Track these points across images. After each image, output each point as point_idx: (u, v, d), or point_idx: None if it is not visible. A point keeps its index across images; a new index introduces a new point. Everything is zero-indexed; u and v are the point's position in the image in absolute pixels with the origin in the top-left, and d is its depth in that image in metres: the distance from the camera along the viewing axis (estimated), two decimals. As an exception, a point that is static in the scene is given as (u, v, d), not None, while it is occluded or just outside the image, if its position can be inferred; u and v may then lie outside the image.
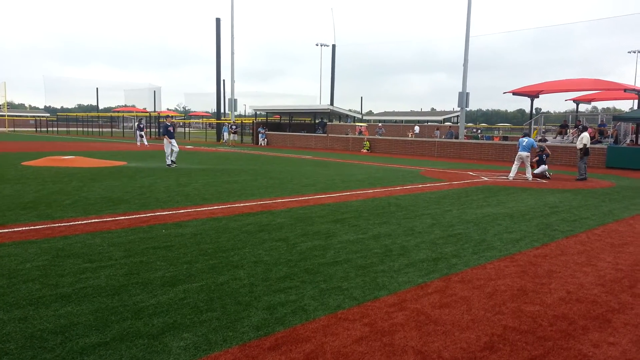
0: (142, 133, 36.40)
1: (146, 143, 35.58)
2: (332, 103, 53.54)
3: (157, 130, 52.48)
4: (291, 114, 45.98)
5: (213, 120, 57.38)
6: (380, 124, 42.83)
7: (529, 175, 16.41)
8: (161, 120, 53.11)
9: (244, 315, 4.26)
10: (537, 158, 17.35)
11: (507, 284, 5.34)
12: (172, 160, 18.36)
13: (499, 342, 3.90)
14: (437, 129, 38.67)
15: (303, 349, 3.68)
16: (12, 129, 69.34)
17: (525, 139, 16.58)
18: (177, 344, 3.68)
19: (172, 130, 18.59)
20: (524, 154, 16.31)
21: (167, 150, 18.41)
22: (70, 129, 65.74)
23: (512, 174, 16.56)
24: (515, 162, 16.67)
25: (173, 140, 18.41)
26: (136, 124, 39.77)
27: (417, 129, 42.60)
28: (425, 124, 52.54)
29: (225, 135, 41.30)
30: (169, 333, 3.86)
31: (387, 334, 3.99)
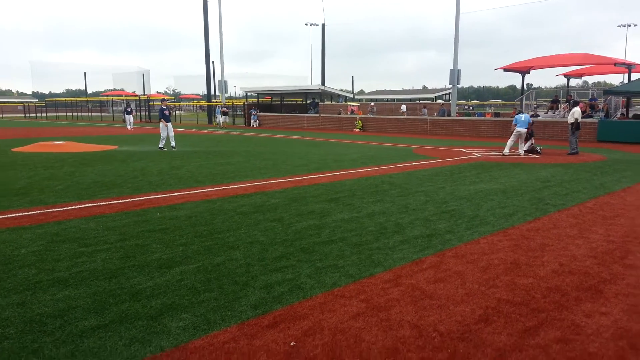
0: (130, 117, 36.25)
1: (129, 127, 35.51)
2: (323, 83, 53.17)
3: (147, 113, 52.03)
4: (282, 94, 45.68)
5: (204, 103, 56.93)
6: (372, 103, 42.72)
7: (521, 150, 16.49)
8: (157, 103, 52.70)
9: (242, 294, 4.30)
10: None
11: (500, 258, 5.40)
12: (172, 146, 18.26)
13: (493, 314, 3.97)
14: (424, 107, 38.49)
15: (301, 326, 3.72)
16: (0, 115, 68.49)
17: (523, 115, 16.64)
18: (176, 325, 3.71)
19: (167, 114, 18.52)
20: (523, 130, 16.40)
21: (163, 134, 18.37)
22: (60, 114, 65.02)
23: (507, 150, 16.63)
24: (512, 138, 16.73)
25: (169, 124, 18.35)
26: (125, 107, 39.51)
27: (403, 107, 42.42)
28: (417, 102, 52.43)
29: (219, 117, 41.09)
30: (167, 314, 3.89)
31: (383, 309, 4.04)
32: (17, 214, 7.31)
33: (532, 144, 17.07)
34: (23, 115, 68.91)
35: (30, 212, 7.44)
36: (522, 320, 3.87)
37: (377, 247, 5.73)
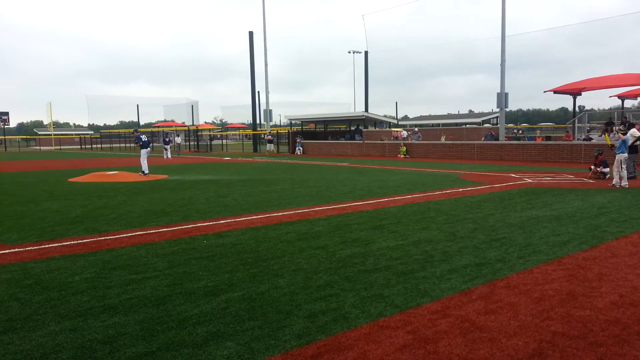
0: (167, 147, 37.45)
1: (169, 157, 36.72)
2: (366, 109, 53.43)
3: (195, 143, 53.61)
4: (326, 122, 46.11)
5: (249, 132, 58.18)
6: (416, 128, 42.37)
7: (617, 180, 14.10)
8: (205, 133, 54.54)
9: (286, 323, 4.27)
10: (601, 157, 16.55)
11: (555, 289, 5.16)
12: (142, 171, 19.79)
13: (548, 348, 3.76)
14: (490, 131, 36.20)
15: (345, 357, 3.65)
16: (58, 147, 72.22)
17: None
18: (221, 353, 3.71)
19: (147, 140, 20.48)
20: (624, 155, 14.19)
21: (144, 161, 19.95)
22: (114, 145, 67.92)
23: (618, 179, 14.14)
24: (615, 165, 14.36)
25: (143, 150, 20.06)
26: (164, 137, 41.11)
27: (404, 133, 40.22)
28: (463, 126, 51.68)
29: (268, 144, 42.60)
30: (212, 342, 3.90)
31: (431, 341, 3.91)
32: (71, 242, 7.60)
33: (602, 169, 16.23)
34: (79, 146, 72.42)
35: (84, 240, 7.72)
36: (580, 355, 3.65)
37: (423, 276, 5.59)
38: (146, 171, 19.79)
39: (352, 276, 5.61)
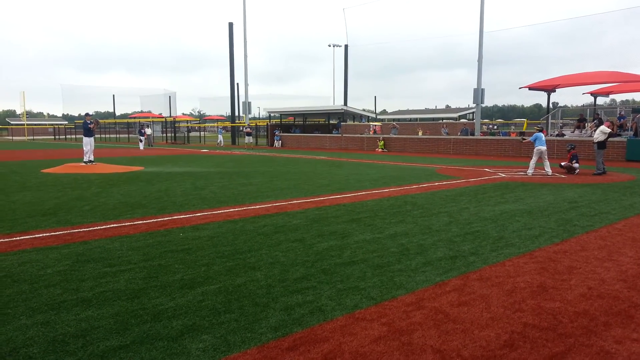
0: (142, 138, 37.15)
1: (141, 148, 36.53)
2: (345, 103, 53.46)
3: (172, 135, 52.98)
4: (305, 115, 46.04)
5: (228, 124, 57.73)
6: (394, 123, 42.59)
7: (548, 169, 16.16)
8: (183, 125, 53.84)
9: (262, 316, 4.28)
10: (573, 152, 16.94)
11: (526, 281, 5.28)
12: (91, 160, 19.38)
13: (519, 339, 3.86)
14: (444, 127, 37.76)
15: (321, 349, 3.68)
16: (32, 137, 70.57)
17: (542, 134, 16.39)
18: (196, 346, 3.71)
19: (91, 128, 19.53)
20: (544, 147, 16.08)
21: (86, 148, 19.36)
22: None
23: (530, 170, 16.32)
24: (534, 157, 16.46)
25: (92, 139, 19.44)
26: (139, 128, 40.76)
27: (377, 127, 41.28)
28: (440, 121, 52.15)
29: (220, 137, 44.34)
30: (188, 335, 3.89)
31: (405, 333, 3.97)
32: (44, 234, 7.47)
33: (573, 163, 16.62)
34: (53, 137, 70.88)
35: (57, 232, 7.59)
36: (549, 345, 3.75)
37: (399, 269, 5.66)
38: (85, 158, 19.49)
39: (328, 269, 5.65)
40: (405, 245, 6.76)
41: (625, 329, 4.07)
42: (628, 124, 26.15)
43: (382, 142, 33.35)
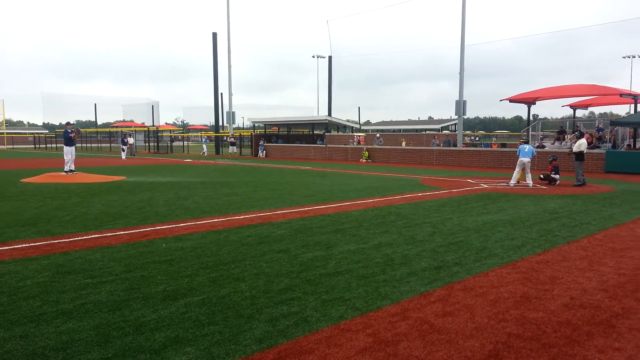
0: (125, 147, 37.01)
1: (123, 157, 36.45)
2: (329, 114, 53.69)
3: (155, 144, 52.55)
4: (289, 125, 46.08)
5: (211, 134, 57.50)
6: (378, 134, 42.89)
7: (529, 181, 16.40)
8: (166, 134, 53.43)
9: (247, 328, 4.24)
10: (555, 163, 17.18)
11: (509, 291, 5.31)
12: (72, 169, 19.27)
13: (503, 349, 3.88)
14: (435, 138, 38.55)
15: (306, 360, 3.65)
16: (11, 146, 69.35)
17: (527, 146, 16.62)
18: (180, 359, 3.65)
19: (72, 137, 19.41)
20: (526, 159, 16.33)
21: (67, 157, 19.21)
22: (69, 145, 65.80)
23: (513, 181, 16.56)
24: (517, 169, 16.68)
25: (72, 148, 19.30)
26: (122, 137, 40.64)
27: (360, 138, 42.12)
28: (423, 132, 52.60)
29: (204, 147, 44.56)
30: (171, 347, 3.83)
31: (390, 344, 3.96)
32: (23, 245, 7.32)
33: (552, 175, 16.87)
34: (33, 146, 69.77)
35: (37, 243, 7.44)
36: (533, 355, 3.78)
37: (384, 280, 5.66)
38: (66, 167, 19.33)
39: (313, 280, 5.62)
40: (389, 255, 6.77)
41: (607, 338, 4.11)
42: (606, 136, 26.69)
43: (367, 152, 33.50)
